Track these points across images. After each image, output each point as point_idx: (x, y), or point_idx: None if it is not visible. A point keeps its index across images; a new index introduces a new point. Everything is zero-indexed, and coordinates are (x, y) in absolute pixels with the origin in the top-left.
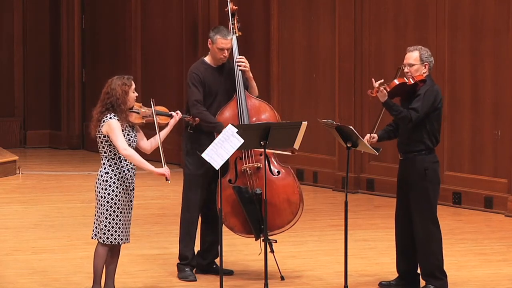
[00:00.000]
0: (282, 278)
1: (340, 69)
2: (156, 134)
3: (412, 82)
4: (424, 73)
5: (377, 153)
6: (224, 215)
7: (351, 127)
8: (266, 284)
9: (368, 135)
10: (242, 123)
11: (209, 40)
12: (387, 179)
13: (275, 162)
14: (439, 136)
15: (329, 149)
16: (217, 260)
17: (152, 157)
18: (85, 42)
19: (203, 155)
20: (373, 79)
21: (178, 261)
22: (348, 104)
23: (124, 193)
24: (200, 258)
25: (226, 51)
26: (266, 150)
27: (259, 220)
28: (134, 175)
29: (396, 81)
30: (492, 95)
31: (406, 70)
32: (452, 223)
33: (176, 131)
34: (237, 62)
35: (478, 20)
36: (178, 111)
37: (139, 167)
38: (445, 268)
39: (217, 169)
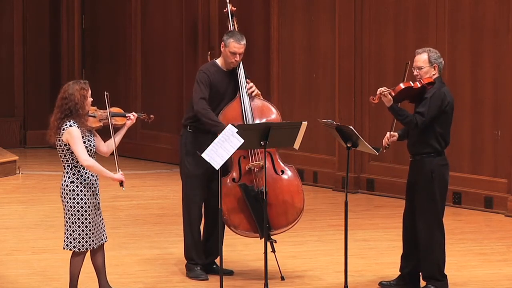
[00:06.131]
0: (282, 278)
1: (340, 69)
2: (111, 136)
3: (419, 85)
4: (433, 74)
5: (377, 153)
6: (228, 213)
7: (351, 127)
8: (266, 284)
9: (388, 133)
10: (247, 122)
11: (222, 43)
12: (387, 179)
13: (279, 161)
14: (449, 138)
15: (329, 149)
16: (217, 260)
17: (153, 158)
18: (85, 42)
19: (203, 155)
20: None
21: (187, 261)
22: (348, 104)
23: (91, 198)
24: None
25: (238, 55)
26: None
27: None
28: (97, 178)
29: (402, 85)
30: (492, 95)
31: (415, 73)
32: (452, 223)
33: (176, 131)
34: (248, 91)
35: (478, 20)
36: (133, 113)
37: (99, 175)
38: (445, 268)
39: (217, 169)
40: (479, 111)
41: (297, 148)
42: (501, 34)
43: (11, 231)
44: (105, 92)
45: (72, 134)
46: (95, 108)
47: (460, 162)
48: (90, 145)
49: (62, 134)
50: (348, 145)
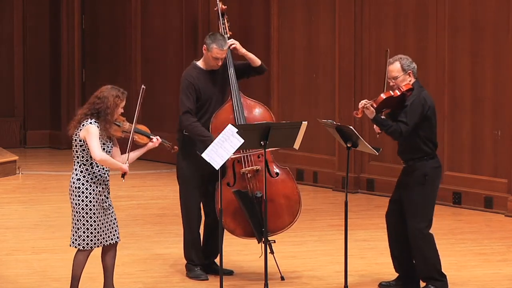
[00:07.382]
0: (282, 278)
1: (340, 69)
2: (130, 151)
3: (399, 93)
4: (410, 80)
5: (377, 153)
6: (224, 218)
7: (351, 127)
8: (266, 284)
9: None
10: (238, 122)
11: (205, 46)
12: (387, 179)
13: (273, 164)
14: (436, 140)
15: (329, 149)
16: (217, 260)
17: (153, 158)
18: (85, 42)
19: (203, 155)
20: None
21: (186, 261)
22: (348, 104)
23: (98, 197)
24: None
25: (220, 60)
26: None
27: (260, 223)
28: (108, 178)
29: (383, 96)
30: (492, 95)
31: (391, 83)
32: (452, 223)
33: (176, 131)
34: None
35: (478, 20)
36: (158, 137)
37: (112, 168)
38: (445, 268)
39: (217, 169)
40: (479, 111)
41: (297, 148)
42: (501, 34)
43: (11, 231)
44: (142, 86)
45: (90, 131)
46: (124, 118)
47: (460, 162)
48: (105, 149)
49: (80, 129)
50: (348, 145)
